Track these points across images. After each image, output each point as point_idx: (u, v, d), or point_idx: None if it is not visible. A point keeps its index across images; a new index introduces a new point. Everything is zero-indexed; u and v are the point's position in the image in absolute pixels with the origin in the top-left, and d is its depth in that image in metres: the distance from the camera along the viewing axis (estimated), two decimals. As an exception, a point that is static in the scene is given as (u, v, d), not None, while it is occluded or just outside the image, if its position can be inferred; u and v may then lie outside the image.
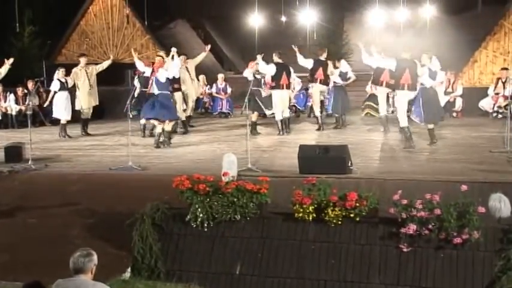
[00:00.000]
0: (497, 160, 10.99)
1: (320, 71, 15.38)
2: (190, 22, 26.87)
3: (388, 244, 7.57)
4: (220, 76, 20.28)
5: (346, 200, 7.76)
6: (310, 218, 7.89)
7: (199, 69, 17.69)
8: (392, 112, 15.75)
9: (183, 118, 15.42)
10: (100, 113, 17.66)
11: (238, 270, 7.91)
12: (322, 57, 15.50)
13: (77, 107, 15.83)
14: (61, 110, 15.66)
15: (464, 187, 7.48)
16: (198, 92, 17.55)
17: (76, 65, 15.90)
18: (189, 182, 8.30)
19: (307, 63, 15.45)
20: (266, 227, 8.10)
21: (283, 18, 25.55)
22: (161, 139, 13.52)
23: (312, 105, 18.51)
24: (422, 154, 12.01)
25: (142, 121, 14.74)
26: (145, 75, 14.45)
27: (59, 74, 15.79)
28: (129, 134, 12.34)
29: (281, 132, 14.83)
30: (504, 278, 7.06)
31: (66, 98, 15.74)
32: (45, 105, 15.76)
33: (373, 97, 17.59)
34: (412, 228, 7.37)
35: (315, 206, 7.90)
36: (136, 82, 15.11)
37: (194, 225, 8.18)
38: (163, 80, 13.32)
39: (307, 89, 19.05)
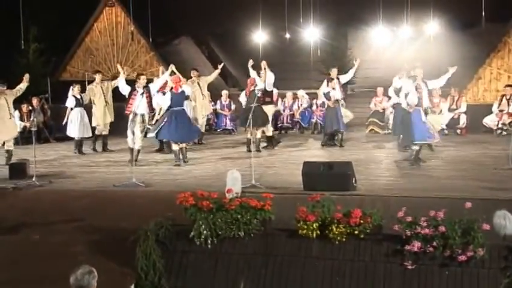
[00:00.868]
0: (502, 177, 10.96)
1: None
2: (195, 39, 26.99)
3: (393, 261, 7.54)
4: (224, 93, 20.32)
5: (351, 217, 7.74)
6: (314, 235, 7.86)
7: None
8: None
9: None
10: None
11: (241, 287, 7.87)
12: (333, 76, 15.74)
13: (94, 124, 15.87)
14: (76, 127, 15.64)
15: (468, 204, 7.45)
16: (208, 109, 17.52)
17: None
18: (193, 198, 8.29)
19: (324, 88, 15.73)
20: (270, 244, 8.07)
21: (287, 35, 25.62)
22: (180, 157, 13.40)
23: (315, 122, 18.63)
24: (426, 171, 11.98)
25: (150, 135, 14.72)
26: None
27: (74, 90, 15.80)
28: (133, 151, 12.35)
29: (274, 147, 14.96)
30: (509, 296, 7.03)
31: (81, 114, 15.76)
32: (63, 123, 15.78)
33: (377, 114, 17.64)
34: (416, 245, 7.33)
35: (319, 223, 7.88)
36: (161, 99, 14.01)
37: (198, 242, 8.15)
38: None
39: (311, 106, 19.13)
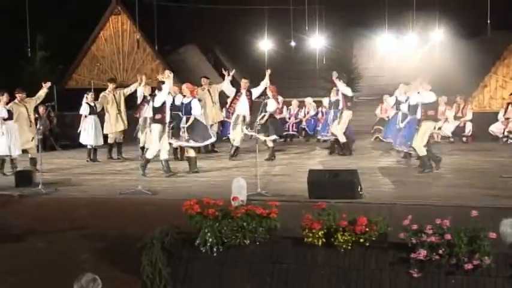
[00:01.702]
0: (508, 185, 10.92)
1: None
2: (200, 47, 27.06)
3: (398, 269, 7.51)
4: (230, 100, 20.29)
5: (356, 225, 7.72)
6: (320, 243, 7.85)
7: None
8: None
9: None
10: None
11: (247, 295, 7.87)
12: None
13: (106, 131, 15.89)
14: (90, 135, 15.67)
15: (474, 212, 7.43)
16: (218, 117, 17.51)
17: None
18: (199, 206, 8.29)
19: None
20: (275, 252, 8.06)
21: (293, 43, 25.68)
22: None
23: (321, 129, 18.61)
24: (432, 179, 11.96)
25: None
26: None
27: (88, 98, 15.82)
28: (139, 158, 12.37)
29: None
30: (516, 305, 7.00)
31: (95, 122, 15.79)
32: (78, 131, 15.81)
33: (382, 121, 17.61)
34: (422, 253, 7.31)
35: (325, 230, 7.86)
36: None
37: (203, 250, 8.14)
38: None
39: (317, 114, 19.17)
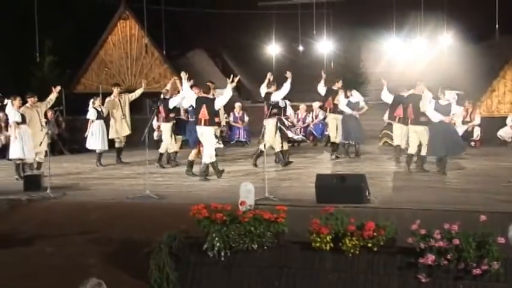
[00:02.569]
0: (517, 190, 10.90)
1: (330, 99, 15.79)
2: (208, 51, 27.12)
3: (407, 274, 7.49)
4: (238, 105, 20.35)
5: (364, 230, 7.71)
6: (328, 248, 7.84)
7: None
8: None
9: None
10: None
11: (255, 300, 7.87)
12: (335, 86, 15.69)
13: (111, 136, 15.92)
14: (97, 139, 15.69)
15: (483, 217, 7.40)
16: (223, 121, 17.49)
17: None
18: (206, 211, 8.30)
19: (322, 90, 15.85)
20: (283, 256, 8.06)
21: (301, 48, 25.70)
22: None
23: (329, 134, 18.55)
24: (440, 184, 11.94)
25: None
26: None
27: (95, 103, 15.86)
28: (147, 163, 12.39)
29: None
30: (524, 310, 6.96)
31: (102, 127, 15.83)
32: (85, 135, 15.85)
33: (390, 126, 17.57)
34: (430, 258, 7.29)
35: (333, 235, 7.86)
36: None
37: (211, 255, 8.15)
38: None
39: (325, 118, 19.15)
